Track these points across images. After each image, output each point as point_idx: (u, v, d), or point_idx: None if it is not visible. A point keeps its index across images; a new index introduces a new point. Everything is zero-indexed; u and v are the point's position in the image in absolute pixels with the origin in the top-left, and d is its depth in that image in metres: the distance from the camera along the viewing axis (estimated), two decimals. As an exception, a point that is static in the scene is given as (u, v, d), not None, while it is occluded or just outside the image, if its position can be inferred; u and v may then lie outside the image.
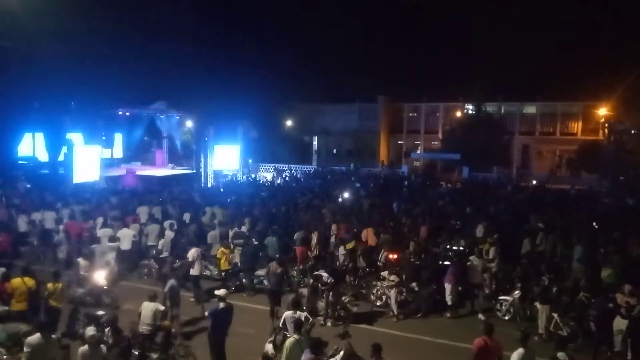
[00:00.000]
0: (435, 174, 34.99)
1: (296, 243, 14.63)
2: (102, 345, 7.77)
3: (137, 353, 8.61)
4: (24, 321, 9.43)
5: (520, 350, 7.40)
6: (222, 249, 13.32)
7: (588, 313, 10.30)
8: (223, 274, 13.33)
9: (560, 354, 7.48)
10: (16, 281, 9.96)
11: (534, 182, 30.50)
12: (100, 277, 11.73)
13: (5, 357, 8.15)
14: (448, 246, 14.79)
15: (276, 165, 36.50)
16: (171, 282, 10.32)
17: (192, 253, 12.62)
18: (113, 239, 13.95)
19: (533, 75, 40.55)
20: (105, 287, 11.80)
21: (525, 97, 40.26)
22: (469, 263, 12.27)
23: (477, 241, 14.53)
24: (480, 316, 11.68)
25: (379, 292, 12.54)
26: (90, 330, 7.81)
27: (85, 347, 7.46)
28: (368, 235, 15.13)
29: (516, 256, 13.86)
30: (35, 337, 7.32)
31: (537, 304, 10.94)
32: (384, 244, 14.30)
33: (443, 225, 16.94)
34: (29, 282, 10.02)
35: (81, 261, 12.40)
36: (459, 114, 41.64)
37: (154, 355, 8.67)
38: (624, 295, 10.29)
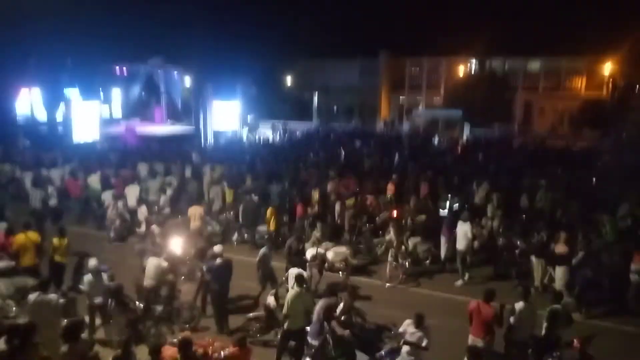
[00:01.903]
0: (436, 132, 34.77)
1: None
2: (103, 274, 8.60)
3: (141, 306, 8.83)
4: (34, 276, 9.63)
5: (520, 304, 7.57)
6: (272, 208, 13.13)
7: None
8: (274, 234, 13.00)
9: (555, 307, 7.68)
10: (19, 237, 10.00)
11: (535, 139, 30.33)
12: (176, 245, 10.68)
13: (14, 309, 8.38)
14: (447, 203, 14.83)
15: (273, 121, 36.12)
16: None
17: (193, 210, 12.69)
18: (118, 197, 14.00)
19: (538, 29, 39.51)
20: (182, 256, 10.82)
21: (529, 52, 39.43)
22: (456, 228, 11.79)
23: (470, 201, 14.60)
24: (459, 282, 11.59)
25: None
26: (92, 261, 8.57)
27: (89, 275, 8.42)
28: (366, 198, 14.85)
29: (515, 212, 14.00)
30: (34, 295, 7.51)
31: (533, 258, 11.14)
32: (386, 206, 14.29)
33: (443, 182, 16.97)
34: (33, 236, 10.09)
35: (155, 229, 11.66)
36: (461, 69, 40.93)
37: (159, 308, 8.89)
38: (560, 243, 10.57)
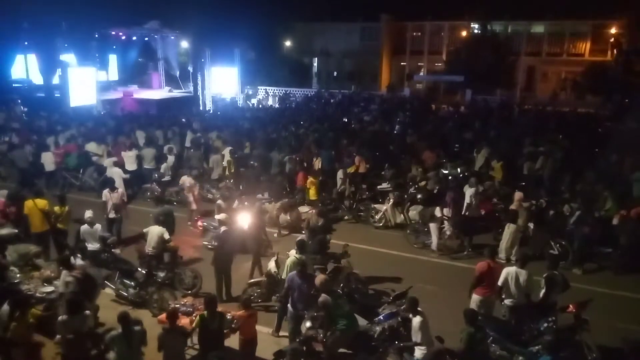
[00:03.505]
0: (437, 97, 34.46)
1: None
2: (97, 225, 9.52)
3: (144, 272, 8.95)
4: (42, 242, 9.83)
5: (513, 268, 7.66)
6: (312, 178, 12.99)
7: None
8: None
9: (552, 272, 7.78)
10: (28, 204, 10.12)
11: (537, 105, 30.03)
12: (244, 221, 10.38)
13: (18, 275, 8.49)
14: (447, 171, 14.82)
15: (266, 88, 35.59)
16: None
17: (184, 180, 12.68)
18: (117, 163, 14.01)
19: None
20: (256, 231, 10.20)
21: (533, 16, 38.59)
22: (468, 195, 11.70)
23: (472, 168, 14.60)
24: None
25: (379, 215, 12.91)
26: (88, 213, 9.50)
27: (85, 225, 9.40)
28: (359, 163, 14.90)
29: (516, 179, 14.02)
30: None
31: (531, 225, 11.21)
32: (391, 180, 14.25)
33: (444, 149, 16.91)
34: (40, 203, 10.14)
35: (221, 203, 11.39)
36: (464, 33, 40.15)
37: (161, 274, 9.02)
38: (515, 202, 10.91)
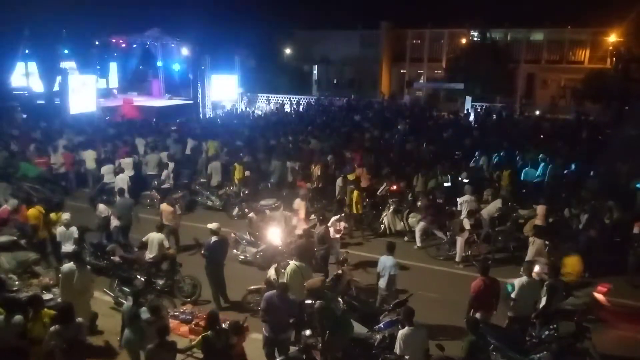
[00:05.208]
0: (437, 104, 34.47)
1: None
2: (72, 227, 9.62)
3: (143, 279, 8.89)
4: (38, 250, 9.79)
5: (524, 278, 7.63)
6: (357, 191, 12.45)
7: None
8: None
9: (554, 280, 7.73)
10: (32, 212, 10.12)
11: (537, 112, 30.08)
12: (275, 235, 10.32)
13: (17, 282, 8.45)
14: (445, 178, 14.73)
15: (268, 95, 35.67)
16: None
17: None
18: (119, 170, 14.00)
19: (541, 0, 38.74)
20: (280, 247, 10.17)
21: (532, 23, 38.77)
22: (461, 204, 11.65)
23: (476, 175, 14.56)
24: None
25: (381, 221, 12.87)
26: (65, 215, 9.77)
27: (62, 227, 9.56)
28: (362, 175, 14.62)
29: (517, 186, 14.00)
30: (68, 265, 7.76)
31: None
32: (387, 178, 14.19)
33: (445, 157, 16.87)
34: (39, 210, 10.18)
35: (253, 217, 11.35)
36: (464, 41, 40.29)
37: (160, 282, 8.97)
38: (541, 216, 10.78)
